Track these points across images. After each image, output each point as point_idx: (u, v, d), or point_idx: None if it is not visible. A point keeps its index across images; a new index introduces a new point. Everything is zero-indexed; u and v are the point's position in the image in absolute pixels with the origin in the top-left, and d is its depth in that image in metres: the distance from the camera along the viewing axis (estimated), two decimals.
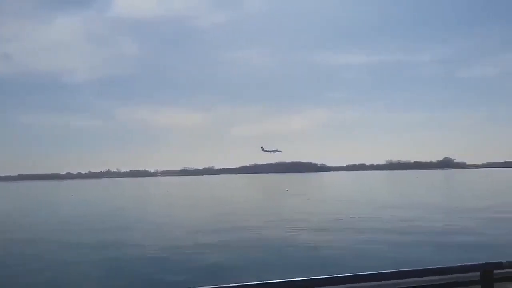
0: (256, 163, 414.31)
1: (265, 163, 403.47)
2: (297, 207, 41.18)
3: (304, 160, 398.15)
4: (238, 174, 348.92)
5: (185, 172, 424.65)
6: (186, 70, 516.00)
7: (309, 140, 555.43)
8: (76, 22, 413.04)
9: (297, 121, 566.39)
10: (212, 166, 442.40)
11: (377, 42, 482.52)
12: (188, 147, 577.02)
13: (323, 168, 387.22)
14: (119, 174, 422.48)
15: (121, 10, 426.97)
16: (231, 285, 5.86)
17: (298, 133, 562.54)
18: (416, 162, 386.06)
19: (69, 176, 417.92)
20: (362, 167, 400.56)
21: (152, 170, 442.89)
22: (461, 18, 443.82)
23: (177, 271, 15.82)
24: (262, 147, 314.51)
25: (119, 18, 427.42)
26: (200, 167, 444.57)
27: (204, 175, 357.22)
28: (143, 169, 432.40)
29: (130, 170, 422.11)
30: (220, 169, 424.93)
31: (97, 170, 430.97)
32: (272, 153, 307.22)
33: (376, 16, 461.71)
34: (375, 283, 6.90)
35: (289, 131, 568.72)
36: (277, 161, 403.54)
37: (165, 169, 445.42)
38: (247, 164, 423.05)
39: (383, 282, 7.00)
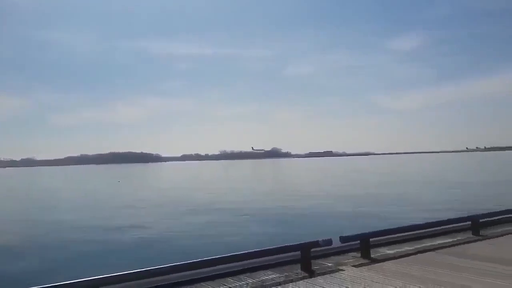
0: (84, 153, 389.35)
1: (94, 153, 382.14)
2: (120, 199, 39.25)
3: (138, 151, 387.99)
4: (64, 166, 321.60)
5: None
6: None
7: (143, 130, 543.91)
8: None
9: (128, 110, 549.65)
10: (33, 157, 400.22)
11: (211, 35, 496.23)
12: (1, 136, 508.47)
13: (158, 159, 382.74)
14: None
15: None
16: None
17: (130, 123, 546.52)
18: (247, 152, 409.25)
19: None
20: (197, 157, 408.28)
21: None
22: (289, 20, 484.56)
23: None
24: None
25: None
26: (18, 158, 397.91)
27: (23, 167, 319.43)
28: None
29: None
30: (42, 160, 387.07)
31: None
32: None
33: (212, 9, 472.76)
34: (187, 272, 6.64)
35: (119, 120, 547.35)
36: (109, 152, 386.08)
37: None
38: (75, 155, 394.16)
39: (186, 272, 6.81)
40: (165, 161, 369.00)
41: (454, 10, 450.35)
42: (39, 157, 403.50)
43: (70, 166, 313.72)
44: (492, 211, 11.65)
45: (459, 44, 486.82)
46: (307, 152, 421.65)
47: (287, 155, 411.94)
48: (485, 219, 10.83)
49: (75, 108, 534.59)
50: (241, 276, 6.98)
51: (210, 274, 6.90)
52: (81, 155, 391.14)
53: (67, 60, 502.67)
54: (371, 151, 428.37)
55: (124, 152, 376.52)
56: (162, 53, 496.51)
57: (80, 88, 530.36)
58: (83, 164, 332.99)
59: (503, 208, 11.97)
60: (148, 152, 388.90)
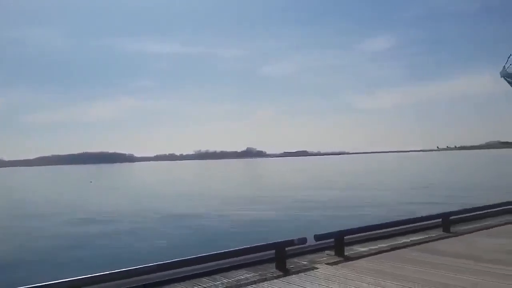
0: (56, 153, 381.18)
1: (66, 153, 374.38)
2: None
3: (111, 151, 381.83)
4: (35, 166, 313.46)
5: None
6: None
7: (116, 129, 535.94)
8: None
9: (101, 109, 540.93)
10: (1, 158, 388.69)
11: (186, 34, 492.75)
12: None
13: (131, 159, 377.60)
14: None
15: None
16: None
17: (103, 122, 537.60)
18: (222, 152, 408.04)
19: None
20: (172, 157, 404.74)
21: None
22: (265, 19, 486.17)
23: None
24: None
25: None
26: None
27: None
28: None
29: None
30: (12, 160, 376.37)
31: None
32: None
33: (187, 8, 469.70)
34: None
35: (92, 119, 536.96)
36: (82, 152, 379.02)
37: None
38: (46, 155, 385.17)
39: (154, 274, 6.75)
40: (139, 161, 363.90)
41: (428, 12, 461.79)
42: (9, 157, 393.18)
43: (42, 166, 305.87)
44: (462, 208, 11.94)
45: (432, 45, 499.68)
46: (282, 151, 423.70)
47: (262, 154, 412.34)
48: (455, 217, 11.10)
49: (46, 107, 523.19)
50: (216, 276, 6.93)
51: (184, 275, 6.82)
52: (53, 155, 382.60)
53: (39, 58, 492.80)
54: (345, 150, 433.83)
55: (97, 152, 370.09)
56: (136, 52, 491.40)
57: (52, 87, 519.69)
58: (55, 164, 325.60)
59: (472, 206, 12.29)
60: (121, 152, 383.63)
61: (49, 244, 17.73)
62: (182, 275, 6.80)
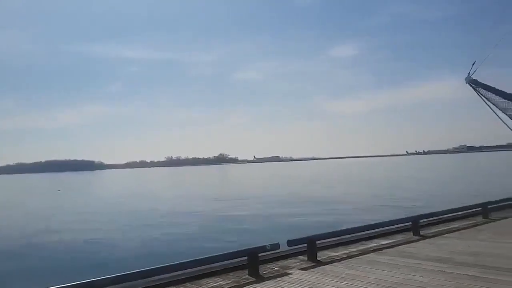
0: (21, 161, 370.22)
1: (31, 162, 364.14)
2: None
3: (79, 158, 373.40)
4: None
5: None
6: None
7: (84, 136, 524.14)
8: None
9: (69, 116, 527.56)
10: None
11: (155, 39, 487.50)
12: None
13: (100, 166, 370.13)
14: None
15: None
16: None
17: (71, 129, 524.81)
18: (194, 158, 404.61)
19: None
20: (143, 164, 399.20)
21: None
22: (235, 25, 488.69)
23: None
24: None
25: None
26: None
27: None
28: None
29: None
30: None
31: None
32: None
33: (157, 13, 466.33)
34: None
35: (59, 126, 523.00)
36: (48, 160, 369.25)
37: None
38: (10, 163, 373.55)
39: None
40: (109, 169, 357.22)
41: (393, 19, 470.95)
42: None
43: (5, 175, 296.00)
44: (430, 212, 12.20)
45: (399, 51, 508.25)
46: (255, 157, 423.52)
47: (234, 160, 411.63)
48: (425, 220, 11.34)
49: (10, 113, 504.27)
50: (187, 284, 6.83)
51: (155, 284, 6.70)
52: (18, 163, 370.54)
53: (2, 63, 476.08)
54: (317, 155, 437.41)
55: (64, 160, 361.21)
56: (105, 57, 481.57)
57: (17, 92, 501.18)
58: (20, 173, 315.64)
59: (441, 209, 12.59)
60: (90, 159, 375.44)
61: None
62: (152, 285, 6.68)
